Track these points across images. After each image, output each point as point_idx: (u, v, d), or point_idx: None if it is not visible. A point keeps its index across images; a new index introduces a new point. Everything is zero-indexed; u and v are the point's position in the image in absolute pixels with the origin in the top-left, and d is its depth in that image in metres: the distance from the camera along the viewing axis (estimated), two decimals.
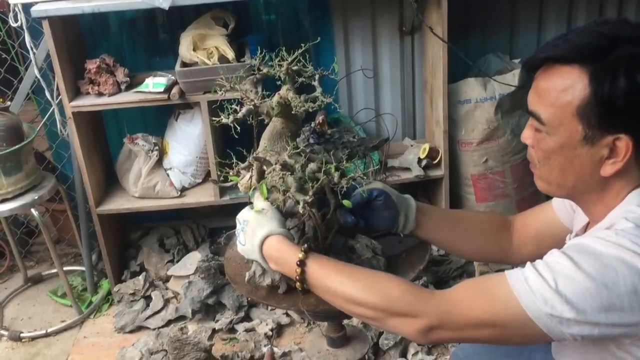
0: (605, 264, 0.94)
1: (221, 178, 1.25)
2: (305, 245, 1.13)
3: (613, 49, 0.97)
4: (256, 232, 1.17)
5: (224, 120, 1.21)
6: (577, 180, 1.06)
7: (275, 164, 1.17)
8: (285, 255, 1.15)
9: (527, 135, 1.10)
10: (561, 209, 1.29)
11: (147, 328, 2.56)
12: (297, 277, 1.13)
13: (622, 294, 0.92)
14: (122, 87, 2.50)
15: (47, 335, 2.61)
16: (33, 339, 2.60)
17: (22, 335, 2.59)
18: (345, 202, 1.17)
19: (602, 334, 0.95)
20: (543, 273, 0.97)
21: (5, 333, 2.61)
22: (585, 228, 1.17)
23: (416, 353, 2.25)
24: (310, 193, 1.11)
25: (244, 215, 1.22)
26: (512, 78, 2.59)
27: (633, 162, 1.01)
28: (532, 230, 1.35)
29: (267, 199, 1.20)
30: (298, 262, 1.12)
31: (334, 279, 1.11)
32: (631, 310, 0.93)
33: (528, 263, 1.01)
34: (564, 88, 1.00)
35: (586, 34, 1.00)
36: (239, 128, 1.21)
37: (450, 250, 1.48)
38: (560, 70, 1.01)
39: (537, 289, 0.95)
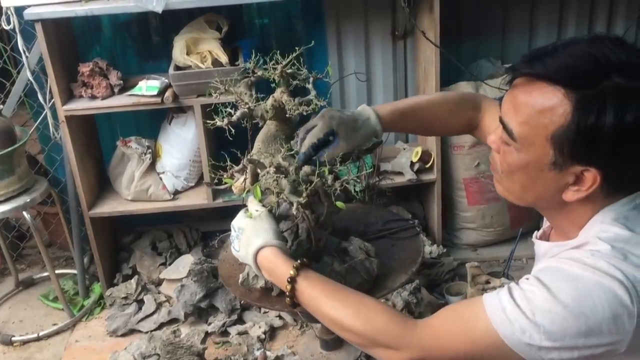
0: (582, 291, 0.92)
1: (215, 180, 1.26)
2: (298, 261, 1.13)
3: (603, 77, 0.92)
4: (251, 241, 1.17)
5: (219, 123, 1.22)
6: (538, 199, 1.05)
7: (270, 166, 1.18)
8: (278, 269, 1.15)
9: (494, 140, 1.07)
10: None
11: (140, 331, 2.56)
12: (288, 294, 1.13)
13: (599, 321, 0.91)
14: (116, 90, 2.50)
15: (38, 339, 2.59)
16: (24, 342, 2.58)
17: (13, 339, 2.58)
18: (339, 204, 1.18)
19: (582, 356, 0.94)
20: (520, 303, 0.95)
21: None
22: (550, 232, 1.16)
23: None
24: (304, 195, 1.12)
25: (239, 222, 1.22)
26: (504, 82, 2.61)
27: (598, 191, 0.98)
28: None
29: (261, 201, 1.21)
30: (289, 279, 1.12)
31: (322, 301, 1.11)
32: (609, 334, 0.92)
33: (505, 289, 0.99)
34: (542, 109, 0.95)
35: (577, 55, 0.94)
36: (233, 131, 1.22)
37: (420, 134, 1.50)
38: (542, 87, 0.96)
39: (515, 319, 0.94)
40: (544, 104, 0.95)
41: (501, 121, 1.03)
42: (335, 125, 1.25)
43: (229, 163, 1.23)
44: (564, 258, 0.99)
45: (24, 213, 2.45)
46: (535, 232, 1.19)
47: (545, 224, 1.19)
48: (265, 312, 2.57)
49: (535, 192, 1.03)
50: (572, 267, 0.95)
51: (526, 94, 0.98)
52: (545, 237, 1.17)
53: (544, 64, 0.96)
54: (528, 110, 0.97)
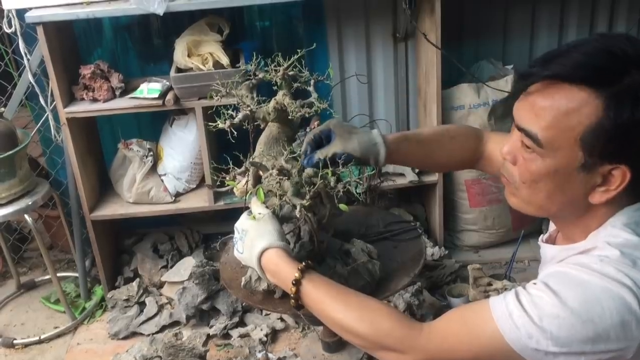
0: (590, 297, 0.91)
1: (217, 183, 1.26)
2: (303, 263, 1.13)
3: (624, 71, 0.91)
4: (255, 243, 1.16)
5: (221, 125, 1.22)
6: (563, 206, 1.02)
7: (272, 168, 1.18)
8: (282, 271, 1.15)
9: (509, 151, 1.04)
10: None
11: (141, 334, 2.55)
12: (292, 296, 1.13)
13: (607, 327, 0.90)
14: (117, 92, 2.50)
15: (40, 341, 2.59)
16: (26, 345, 2.58)
17: (15, 342, 2.58)
18: (342, 207, 1.18)
19: None
20: (527, 308, 0.94)
21: None
22: (556, 235, 1.16)
23: None
24: (307, 197, 1.11)
25: (242, 224, 1.21)
26: (505, 84, 2.61)
27: (622, 191, 0.97)
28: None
29: (263, 203, 1.21)
30: (293, 281, 1.12)
31: (327, 304, 1.11)
32: (617, 340, 0.91)
33: (512, 293, 0.98)
34: (567, 110, 0.93)
35: (593, 53, 0.93)
36: (235, 133, 1.22)
37: (423, 168, 1.49)
38: (563, 89, 0.94)
39: (522, 325, 0.94)
40: (568, 105, 0.93)
41: (521, 129, 1.00)
42: (333, 125, 1.26)
43: (231, 165, 1.23)
44: (571, 263, 0.98)
45: (26, 216, 2.45)
46: (541, 235, 1.19)
47: (551, 227, 1.18)
48: (267, 315, 2.57)
49: (561, 199, 1.01)
50: (580, 272, 0.95)
51: (547, 98, 0.96)
52: (552, 241, 1.17)
53: (561, 65, 0.94)
54: (552, 114, 0.95)
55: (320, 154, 1.21)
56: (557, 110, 0.94)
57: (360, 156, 1.25)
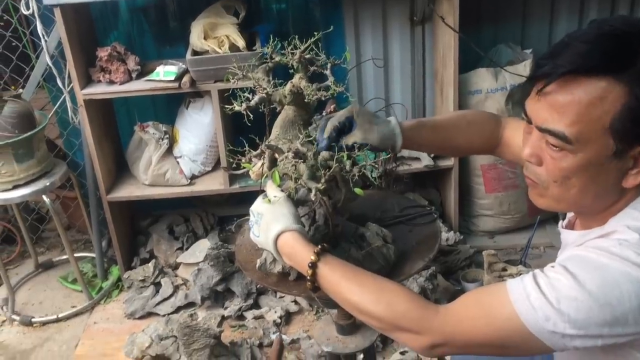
0: (609, 280, 0.91)
1: (233, 165, 1.26)
2: (319, 246, 1.13)
3: (636, 53, 0.91)
4: (271, 226, 1.16)
5: (237, 108, 1.22)
6: (596, 197, 1.01)
7: (288, 151, 1.17)
8: (298, 254, 1.15)
9: (532, 153, 1.02)
10: None
11: (157, 314, 2.59)
12: (309, 278, 1.13)
13: (626, 311, 0.90)
14: (133, 75, 2.51)
15: (58, 320, 2.64)
16: (44, 324, 2.63)
17: (33, 320, 2.63)
18: (357, 191, 1.17)
19: (605, 344, 0.94)
20: (545, 291, 0.94)
21: (17, 318, 2.64)
22: (575, 221, 1.15)
23: None
24: (323, 180, 1.11)
25: (257, 208, 1.21)
26: (524, 69, 2.58)
27: None
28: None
29: (279, 186, 1.21)
30: (310, 264, 1.12)
31: (343, 286, 1.11)
32: (635, 324, 0.91)
33: (529, 276, 0.98)
34: (591, 102, 0.92)
35: (599, 40, 0.93)
36: (251, 116, 1.22)
37: (439, 154, 1.49)
38: (581, 82, 0.93)
39: (539, 307, 0.93)
40: (590, 97, 0.93)
41: (543, 130, 0.98)
42: (355, 113, 1.26)
43: (247, 148, 1.23)
44: (590, 247, 0.98)
45: (44, 196, 2.48)
46: (561, 221, 1.18)
47: (570, 212, 1.18)
48: (281, 297, 2.58)
49: (595, 190, 0.99)
50: (600, 256, 0.94)
51: (566, 94, 0.94)
52: (570, 226, 1.16)
53: (573, 59, 0.93)
54: (575, 109, 0.94)
55: (342, 142, 1.22)
56: (580, 104, 0.93)
57: (378, 145, 1.25)
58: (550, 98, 0.96)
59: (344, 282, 1.11)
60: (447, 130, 1.35)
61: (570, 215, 1.18)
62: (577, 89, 0.93)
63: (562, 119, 0.95)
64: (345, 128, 1.25)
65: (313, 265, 1.12)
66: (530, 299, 0.95)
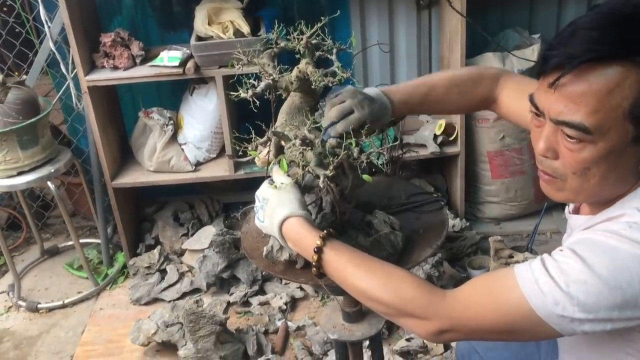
0: (619, 263, 0.90)
1: (239, 153, 1.25)
2: (325, 231, 1.12)
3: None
4: (276, 211, 1.15)
5: (243, 95, 1.20)
6: (615, 185, 0.99)
7: (295, 138, 1.16)
8: (304, 239, 1.14)
9: (548, 148, 0.99)
10: None
11: (163, 300, 2.60)
12: (314, 264, 1.12)
13: (636, 294, 0.89)
14: (137, 60, 2.50)
15: (64, 306, 2.65)
16: (50, 310, 2.64)
17: (39, 306, 2.64)
18: (366, 177, 1.16)
19: (614, 328, 0.93)
20: (554, 274, 0.93)
21: (23, 304, 2.65)
22: (580, 206, 1.14)
23: None
24: (331, 167, 1.10)
25: (263, 193, 1.20)
26: (531, 53, 2.55)
27: None
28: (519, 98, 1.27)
29: (286, 173, 1.20)
30: (315, 249, 1.11)
31: (349, 272, 1.10)
32: None
33: (537, 260, 0.97)
34: (608, 89, 0.91)
35: (610, 25, 0.91)
36: (257, 102, 1.20)
37: (433, 113, 1.50)
38: (596, 70, 0.91)
39: (548, 291, 0.92)
40: (608, 85, 0.91)
41: (559, 123, 0.96)
42: (347, 97, 1.24)
43: (253, 135, 1.22)
44: (599, 230, 0.97)
45: (49, 183, 2.47)
46: (567, 206, 1.16)
47: None
48: (286, 284, 2.58)
49: (614, 177, 0.98)
50: (609, 239, 0.93)
51: (582, 84, 0.92)
52: (576, 211, 1.15)
53: (584, 48, 0.91)
54: (593, 98, 0.91)
55: (340, 127, 1.19)
56: (598, 92, 0.91)
57: (371, 122, 1.23)
58: (565, 89, 0.94)
59: (351, 267, 1.10)
60: (438, 103, 1.34)
61: None
62: (593, 77, 0.91)
63: (579, 110, 0.93)
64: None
65: (319, 250, 1.11)
66: (539, 283, 0.94)
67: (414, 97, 1.33)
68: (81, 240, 2.84)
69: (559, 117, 0.96)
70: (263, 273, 2.59)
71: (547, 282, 0.93)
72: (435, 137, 2.65)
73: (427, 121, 2.79)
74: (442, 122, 2.64)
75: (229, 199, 3.03)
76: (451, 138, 2.67)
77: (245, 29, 2.41)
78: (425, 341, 2.23)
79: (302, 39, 1.25)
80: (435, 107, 1.37)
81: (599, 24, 0.92)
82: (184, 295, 2.60)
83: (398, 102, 1.29)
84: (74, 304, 2.66)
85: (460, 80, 1.34)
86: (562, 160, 0.99)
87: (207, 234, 2.76)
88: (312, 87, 1.23)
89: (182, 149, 2.68)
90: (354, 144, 1.12)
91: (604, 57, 0.90)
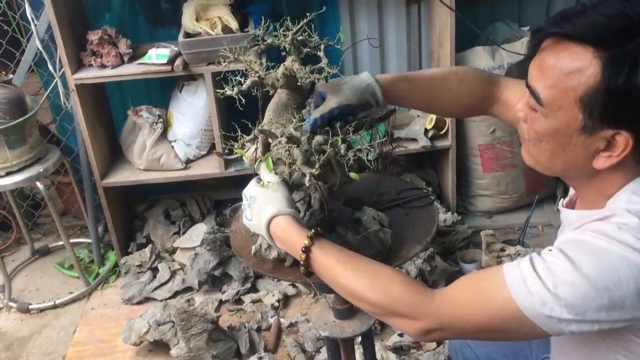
0: (607, 265, 0.90)
1: (226, 151, 1.24)
2: (312, 231, 1.11)
3: (635, 35, 0.88)
4: (264, 209, 1.14)
5: (229, 92, 1.19)
6: (567, 167, 1.01)
7: (281, 136, 1.15)
8: (291, 238, 1.13)
9: (521, 108, 1.04)
10: None
11: (154, 299, 2.58)
12: (302, 263, 1.12)
13: (623, 296, 0.89)
14: (125, 58, 2.47)
15: (55, 306, 2.63)
16: (41, 310, 2.63)
17: (30, 306, 2.62)
18: (353, 175, 1.15)
19: (602, 329, 0.93)
20: (542, 275, 0.93)
21: (14, 305, 2.63)
22: (576, 199, 1.14)
23: None
24: (317, 166, 1.09)
25: (250, 191, 1.19)
26: (521, 46, 2.55)
27: (630, 157, 0.95)
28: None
29: (272, 171, 1.19)
30: (303, 248, 1.10)
31: (337, 271, 1.09)
32: (632, 309, 0.90)
33: (526, 260, 0.96)
34: (571, 70, 0.92)
35: (609, 14, 0.91)
36: (243, 100, 1.19)
37: (429, 111, 1.52)
38: (571, 48, 0.92)
39: (536, 292, 0.92)
40: (572, 65, 0.92)
41: (528, 87, 0.99)
42: (321, 87, 1.23)
43: (239, 133, 1.21)
44: (589, 230, 0.96)
45: (38, 183, 2.45)
46: (561, 199, 1.16)
47: (572, 191, 1.16)
48: (278, 281, 2.58)
49: (564, 159, 1.00)
50: (597, 240, 0.93)
51: (554, 56, 0.94)
52: (571, 205, 1.14)
53: (573, 24, 0.92)
54: (556, 73, 0.94)
55: (315, 114, 1.18)
56: (561, 70, 0.93)
57: (358, 102, 1.20)
58: (541, 56, 0.97)
59: (338, 266, 1.09)
60: (434, 86, 1.30)
61: (571, 193, 1.16)
62: (564, 53, 0.93)
63: (542, 80, 0.96)
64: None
65: (306, 250, 1.10)
66: (527, 283, 0.93)
67: (408, 73, 1.31)
68: (72, 240, 2.82)
69: (530, 81, 0.99)
70: (255, 270, 2.58)
71: (535, 283, 0.93)
72: (426, 131, 2.64)
73: (418, 116, 2.79)
74: (433, 117, 2.64)
75: (221, 196, 3.02)
76: (442, 132, 2.67)
77: (233, 25, 2.39)
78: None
79: (288, 36, 1.24)
80: (431, 94, 1.30)
81: (604, 8, 0.92)
82: (176, 294, 2.59)
83: (385, 82, 1.24)
84: (65, 304, 2.64)
85: (462, 74, 1.33)
86: (526, 126, 1.04)
87: (199, 231, 2.75)
88: (299, 84, 1.22)
89: (172, 147, 2.66)
90: (340, 141, 1.11)
91: (576, 37, 0.92)
